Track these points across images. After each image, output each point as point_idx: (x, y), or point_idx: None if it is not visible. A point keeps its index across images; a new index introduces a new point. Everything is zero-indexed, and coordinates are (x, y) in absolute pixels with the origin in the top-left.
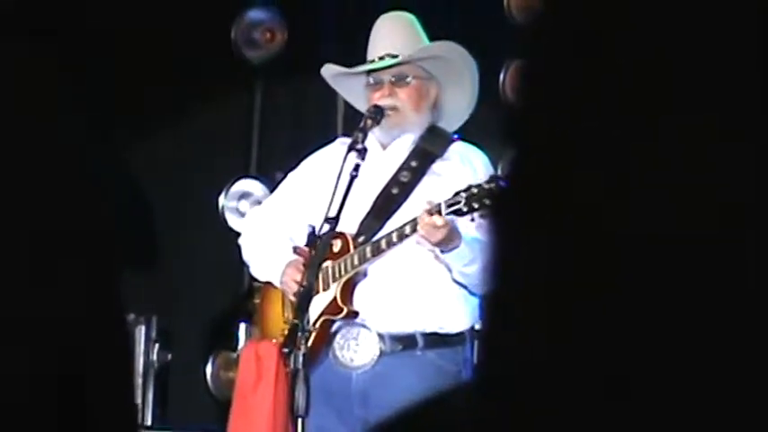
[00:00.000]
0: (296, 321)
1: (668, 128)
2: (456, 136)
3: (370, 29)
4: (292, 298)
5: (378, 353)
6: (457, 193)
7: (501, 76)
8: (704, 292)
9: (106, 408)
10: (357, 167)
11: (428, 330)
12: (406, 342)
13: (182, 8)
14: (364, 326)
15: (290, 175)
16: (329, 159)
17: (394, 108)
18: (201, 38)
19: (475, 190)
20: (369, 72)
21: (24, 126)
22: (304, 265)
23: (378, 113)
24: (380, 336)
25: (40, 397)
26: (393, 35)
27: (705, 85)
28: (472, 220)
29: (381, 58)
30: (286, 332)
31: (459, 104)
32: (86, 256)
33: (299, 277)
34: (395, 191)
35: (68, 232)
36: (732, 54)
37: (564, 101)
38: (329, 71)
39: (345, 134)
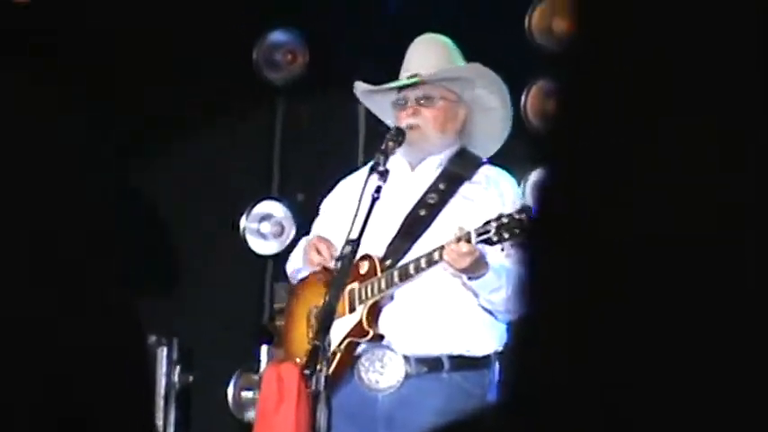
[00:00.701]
0: (317, 342)
1: (668, 131)
2: (484, 159)
3: (390, 50)
4: (312, 268)
5: (403, 375)
6: (487, 222)
7: (522, 98)
8: (706, 294)
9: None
10: (379, 189)
11: (454, 353)
12: (431, 364)
13: (204, 31)
14: (390, 348)
15: (326, 200)
16: (359, 182)
17: (416, 127)
18: (224, 59)
19: (505, 220)
20: (399, 90)
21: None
22: (326, 284)
23: (399, 135)
24: (406, 358)
25: (59, 421)
26: (424, 56)
27: (705, 88)
28: (502, 249)
29: (410, 78)
30: (308, 353)
31: (491, 129)
32: (106, 281)
33: (322, 248)
34: (422, 213)
35: (89, 258)
36: (732, 56)
37: (593, 124)
38: (360, 88)
39: (369, 150)
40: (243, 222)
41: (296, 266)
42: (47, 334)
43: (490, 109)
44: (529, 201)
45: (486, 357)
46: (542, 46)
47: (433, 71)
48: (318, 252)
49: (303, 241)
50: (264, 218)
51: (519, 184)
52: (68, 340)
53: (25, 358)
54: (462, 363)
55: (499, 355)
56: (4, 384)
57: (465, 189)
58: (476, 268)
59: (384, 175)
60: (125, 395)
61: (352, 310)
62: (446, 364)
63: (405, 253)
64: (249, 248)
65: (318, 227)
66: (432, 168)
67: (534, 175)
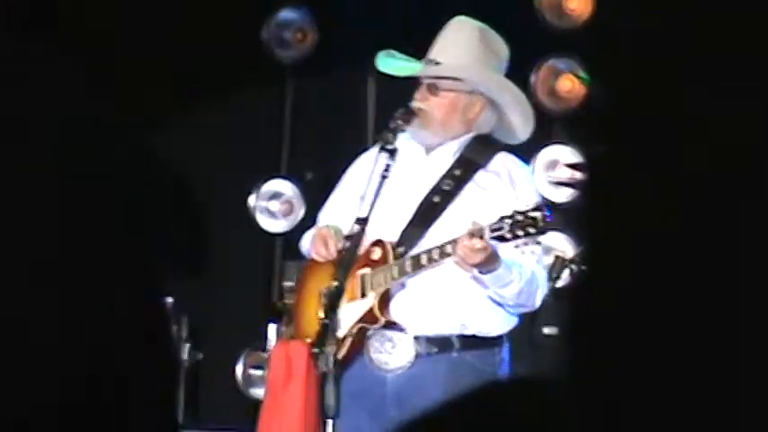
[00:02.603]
0: (326, 321)
1: None
2: (502, 145)
3: (401, 29)
4: (316, 256)
5: (413, 355)
6: (501, 219)
7: (532, 77)
8: None
9: (149, 418)
10: (388, 168)
11: (465, 333)
12: (441, 344)
13: (213, 9)
14: (400, 328)
15: (339, 183)
16: (370, 162)
17: (422, 111)
18: (233, 38)
19: (520, 217)
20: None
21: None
22: (334, 264)
23: (408, 114)
24: (416, 338)
25: (94, 397)
26: (452, 44)
27: None
28: (516, 246)
29: (429, 61)
30: (317, 332)
31: (509, 126)
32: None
33: (330, 242)
34: (436, 199)
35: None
36: None
37: None
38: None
39: (379, 129)
40: (252, 201)
41: (308, 248)
42: (79, 318)
43: (509, 108)
44: (536, 179)
45: (498, 337)
46: (552, 24)
47: (451, 61)
48: (326, 245)
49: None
50: (274, 196)
51: (528, 163)
52: (101, 324)
53: (62, 342)
54: (473, 342)
55: (509, 334)
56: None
57: (480, 177)
58: (488, 263)
59: (393, 153)
60: (154, 376)
61: (363, 295)
62: (456, 344)
63: (417, 241)
64: (259, 227)
65: (333, 204)
66: (448, 154)
67: (543, 155)
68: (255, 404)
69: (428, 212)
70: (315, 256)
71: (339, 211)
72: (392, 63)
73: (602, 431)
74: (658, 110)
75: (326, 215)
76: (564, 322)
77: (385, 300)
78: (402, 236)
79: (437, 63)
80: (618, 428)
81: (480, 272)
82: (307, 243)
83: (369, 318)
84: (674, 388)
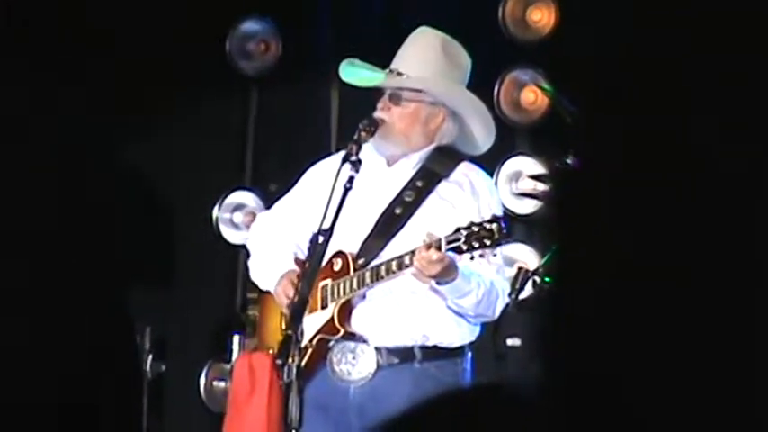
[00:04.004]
0: (289, 332)
1: None
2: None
3: (364, 40)
4: (285, 310)
5: (375, 366)
6: (458, 230)
7: (495, 88)
8: None
9: (111, 427)
10: (351, 179)
11: (427, 344)
12: (403, 355)
13: (176, 20)
14: (362, 339)
15: (297, 183)
16: (332, 170)
17: (383, 123)
18: (196, 49)
19: (476, 228)
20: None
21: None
22: (298, 276)
23: (371, 125)
24: (378, 349)
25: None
26: (414, 55)
27: None
28: (471, 258)
29: (391, 71)
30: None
31: (471, 138)
32: (93, 278)
33: (291, 291)
34: (398, 210)
35: (74, 255)
36: None
37: None
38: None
39: (343, 140)
40: (215, 212)
41: (258, 277)
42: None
43: (470, 119)
44: (499, 191)
45: (460, 348)
46: (516, 36)
47: (412, 72)
48: (295, 288)
49: (268, 248)
50: (237, 208)
51: (491, 174)
52: (70, 337)
53: (32, 356)
54: (435, 353)
55: (471, 345)
56: (14, 381)
57: (442, 188)
58: (445, 274)
59: (357, 165)
60: (118, 388)
61: (324, 306)
62: (418, 355)
63: (378, 252)
64: (222, 238)
65: (288, 208)
66: (410, 165)
67: (507, 166)
68: (219, 416)
69: (389, 224)
70: (279, 299)
71: (293, 216)
72: (355, 72)
73: None
74: (623, 118)
75: (280, 218)
76: (533, 331)
77: (345, 311)
78: (363, 247)
79: (399, 74)
80: None
81: (438, 283)
82: (261, 279)
83: (329, 329)
84: (640, 394)
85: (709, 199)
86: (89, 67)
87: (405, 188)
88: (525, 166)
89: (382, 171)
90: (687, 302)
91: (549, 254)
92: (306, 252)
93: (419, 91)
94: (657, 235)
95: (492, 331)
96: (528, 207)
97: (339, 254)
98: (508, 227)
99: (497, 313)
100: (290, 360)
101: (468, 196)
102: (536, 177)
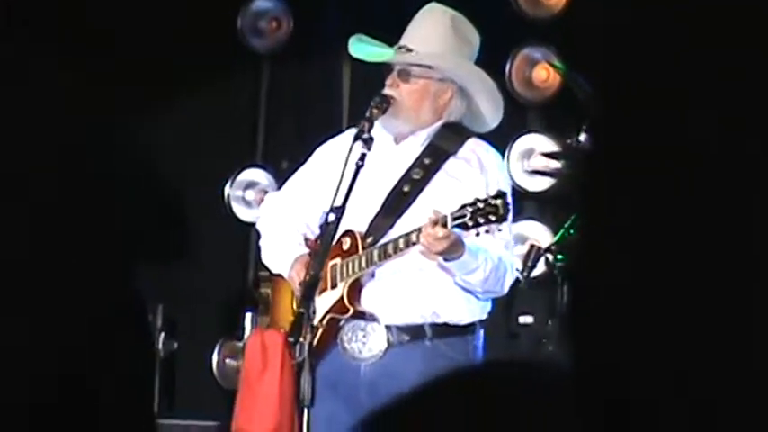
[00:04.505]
0: (301, 310)
1: None
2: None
3: (375, 17)
4: (297, 292)
5: (386, 344)
6: (463, 207)
7: (507, 66)
8: None
9: (122, 406)
10: (363, 157)
11: (437, 322)
12: (414, 333)
13: None
14: (372, 318)
15: (307, 161)
16: (343, 147)
17: (392, 99)
18: (208, 27)
19: (481, 205)
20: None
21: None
22: (310, 255)
23: (383, 101)
24: (388, 327)
25: (62, 395)
26: (424, 30)
27: None
28: (477, 234)
29: (401, 47)
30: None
31: (478, 115)
32: (108, 255)
33: (304, 274)
34: (406, 188)
35: (89, 232)
36: None
37: None
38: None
39: (353, 118)
40: (227, 190)
41: (270, 260)
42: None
43: (479, 94)
44: (511, 168)
45: (471, 325)
46: (528, 14)
47: (422, 48)
48: (307, 269)
49: (279, 231)
50: (249, 185)
51: (503, 152)
52: (77, 314)
53: (37, 330)
54: (445, 330)
55: (483, 322)
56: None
57: (450, 165)
58: (452, 251)
59: (368, 142)
60: (129, 366)
61: (333, 285)
62: (428, 332)
63: (387, 230)
64: (234, 216)
65: (298, 187)
66: (417, 143)
67: (519, 144)
68: (231, 394)
69: (397, 202)
70: (293, 283)
71: (304, 194)
72: (363, 48)
73: (575, 417)
74: (634, 99)
75: (290, 198)
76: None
77: (354, 289)
78: (371, 226)
79: (409, 50)
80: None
81: (445, 260)
82: (272, 262)
83: (339, 308)
84: (651, 378)
85: (724, 180)
86: (96, 40)
87: (412, 166)
88: (537, 144)
89: (390, 149)
90: (706, 280)
91: (561, 231)
92: (317, 231)
93: (428, 67)
94: (667, 214)
95: (504, 310)
96: (540, 184)
97: (348, 233)
98: (514, 202)
99: (506, 289)
100: (302, 338)
101: (477, 172)
102: (548, 155)
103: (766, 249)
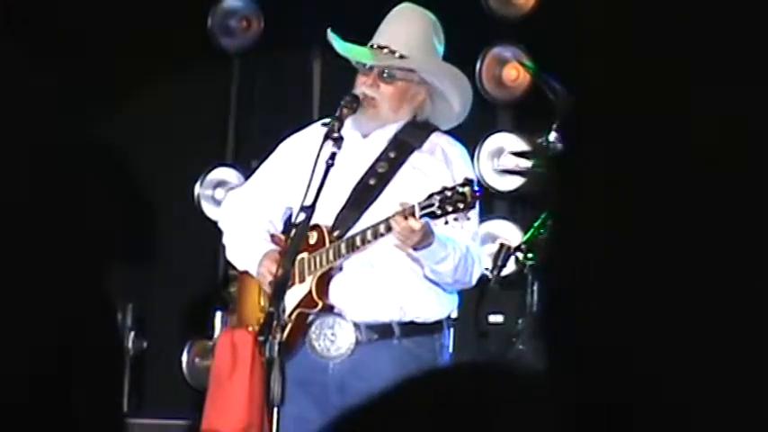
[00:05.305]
0: (271, 309)
1: None
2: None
3: (346, 18)
4: (268, 289)
5: (354, 342)
6: (431, 196)
7: (477, 65)
8: None
9: (92, 405)
10: (333, 156)
11: (404, 320)
12: (382, 331)
13: None
14: (340, 316)
15: (270, 157)
16: (307, 143)
17: (372, 100)
18: (178, 26)
19: (449, 193)
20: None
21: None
22: (280, 254)
23: (354, 101)
24: (356, 325)
25: (34, 394)
26: (403, 31)
27: None
28: (446, 222)
29: (380, 48)
30: (262, 320)
31: (448, 113)
32: (77, 255)
33: (274, 269)
34: (372, 182)
35: (59, 232)
36: None
37: None
38: (331, 38)
39: (324, 117)
40: (197, 189)
41: (236, 257)
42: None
43: (449, 97)
44: (481, 167)
45: (438, 323)
46: (498, 13)
47: (405, 51)
48: (278, 266)
49: (243, 228)
50: (219, 184)
51: (473, 151)
52: (46, 313)
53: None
54: (413, 329)
55: (451, 320)
56: None
57: (415, 158)
58: (423, 240)
59: (338, 141)
60: (97, 365)
61: (302, 280)
62: (396, 331)
63: (354, 224)
64: (204, 215)
65: (262, 183)
66: (384, 137)
67: (489, 143)
68: (201, 393)
69: (363, 195)
70: (263, 279)
71: (268, 190)
72: (350, 48)
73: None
74: (605, 97)
75: (253, 193)
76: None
77: (323, 283)
78: (338, 219)
79: (392, 51)
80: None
81: (415, 249)
82: (240, 255)
83: (307, 302)
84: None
85: (683, 179)
86: (67, 39)
87: (378, 159)
88: (507, 143)
89: (357, 144)
90: (683, 273)
91: (531, 230)
92: (280, 227)
93: (410, 70)
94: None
95: (474, 308)
96: (510, 183)
97: (314, 227)
98: (481, 189)
99: (474, 281)
100: (272, 337)
101: (441, 164)
102: (518, 154)
103: (737, 245)
